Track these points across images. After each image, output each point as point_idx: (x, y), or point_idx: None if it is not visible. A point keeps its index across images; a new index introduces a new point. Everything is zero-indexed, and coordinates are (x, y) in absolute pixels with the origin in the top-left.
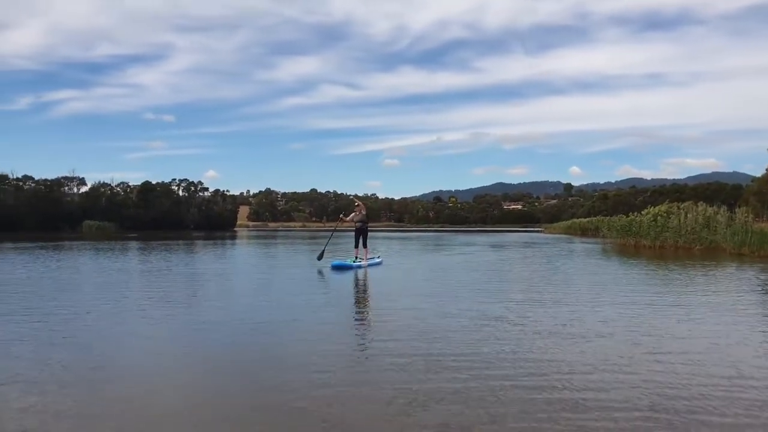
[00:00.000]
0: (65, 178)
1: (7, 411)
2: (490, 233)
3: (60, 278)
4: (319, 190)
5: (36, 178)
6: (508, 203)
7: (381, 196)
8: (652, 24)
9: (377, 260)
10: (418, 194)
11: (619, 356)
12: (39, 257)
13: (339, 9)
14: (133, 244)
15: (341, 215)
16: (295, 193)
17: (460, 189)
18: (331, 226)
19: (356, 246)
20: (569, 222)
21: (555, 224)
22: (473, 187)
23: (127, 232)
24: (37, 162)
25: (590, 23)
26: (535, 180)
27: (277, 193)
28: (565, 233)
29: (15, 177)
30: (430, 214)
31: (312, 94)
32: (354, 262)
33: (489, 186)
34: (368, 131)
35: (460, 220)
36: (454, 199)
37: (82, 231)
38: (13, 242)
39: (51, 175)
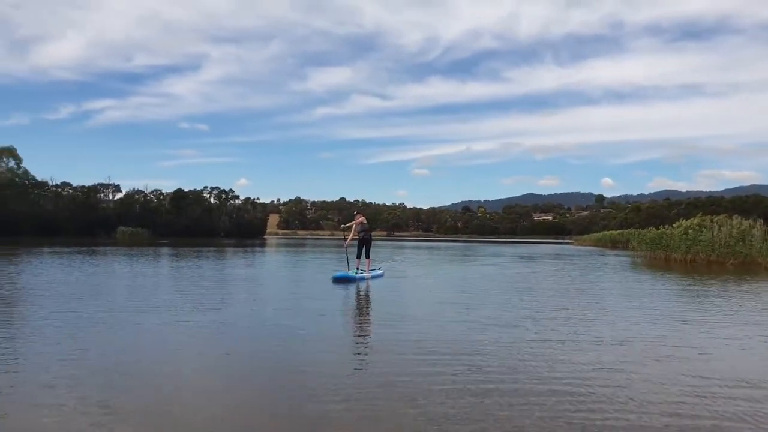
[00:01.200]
0: (101, 185)
1: (49, 408)
2: (519, 244)
3: (96, 282)
4: (347, 199)
5: (74, 185)
6: (538, 214)
7: (409, 205)
8: (688, 33)
9: (379, 272)
10: (446, 204)
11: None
12: (76, 262)
13: (370, 20)
14: (165, 250)
15: (342, 227)
16: (324, 201)
17: (490, 199)
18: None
19: (358, 257)
20: (600, 234)
21: (585, 236)
22: (503, 197)
23: (160, 238)
24: (76, 169)
25: (624, 33)
26: (566, 191)
27: (306, 202)
28: (595, 245)
29: (54, 183)
30: (459, 224)
31: (343, 104)
32: (357, 273)
33: (519, 196)
34: (398, 141)
35: (489, 231)
36: (483, 210)
37: (116, 237)
38: (50, 246)
39: (88, 182)
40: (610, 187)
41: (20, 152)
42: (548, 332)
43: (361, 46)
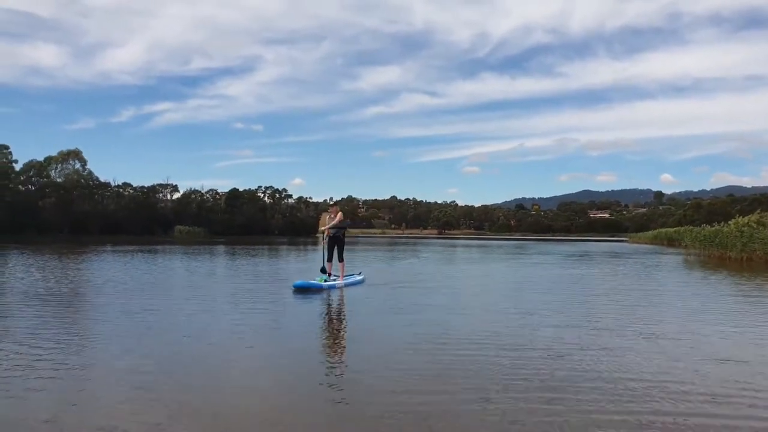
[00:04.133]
0: (160, 185)
1: (114, 401)
2: (573, 242)
3: (156, 278)
4: (399, 198)
5: (134, 185)
6: (594, 211)
7: (460, 203)
8: (752, 22)
9: (358, 278)
10: (499, 202)
11: None
12: (137, 259)
13: (419, 18)
14: (221, 248)
15: (321, 231)
16: (375, 200)
17: (544, 196)
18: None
19: (329, 259)
20: (655, 232)
21: (640, 234)
22: (558, 194)
23: (215, 236)
24: (136, 170)
25: (683, 24)
26: (623, 188)
27: (358, 200)
28: (651, 243)
29: (116, 184)
30: (512, 222)
31: (393, 102)
32: (325, 281)
33: (574, 193)
34: (448, 138)
35: (544, 229)
36: (537, 207)
37: (174, 235)
38: (113, 245)
39: (148, 182)
40: (669, 184)
41: (85, 155)
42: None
43: (410, 45)
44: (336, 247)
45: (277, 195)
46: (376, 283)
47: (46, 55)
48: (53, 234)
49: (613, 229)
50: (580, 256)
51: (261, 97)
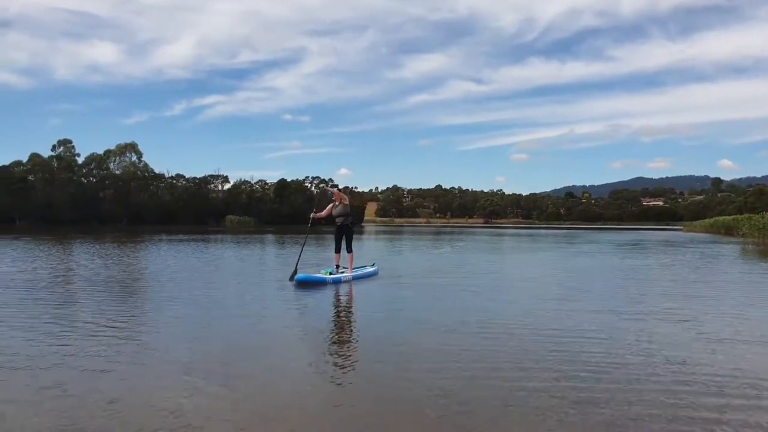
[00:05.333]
0: (211, 176)
1: (172, 385)
2: (625, 231)
3: (210, 266)
4: (444, 186)
5: (187, 177)
6: (647, 199)
7: (508, 191)
8: None
9: (369, 270)
10: (548, 190)
11: None
12: (192, 248)
13: (464, 4)
14: (270, 237)
15: (313, 213)
16: (420, 189)
17: (595, 184)
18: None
19: (337, 250)
20: (712, 220)
21: (695, 222)
22: (609, 182)
23: (265, 226)
24: (188, 161)
25: (742, 1)
26: (678, 174)
27: (403, 190)
28: (707, 232)
29: (170, 176)
30: (561, 211)
31: (438, 90)
32: (330, 274)
33: (627, 181)
34: (495, 125)
35: (594, 217)
36: (587, 195)
37: (225, 225)
38: (168, 234)
39: (199, 174)
40: (728, 170)
41: (141, 147)
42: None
43: (455, 31)
44: (344, 237)
45: (324, 185)
46: (391, 276)
47: (103, 52)
48: (113, 224)
49: (667, 217)
50: (633, 245)
51: (307, 89)
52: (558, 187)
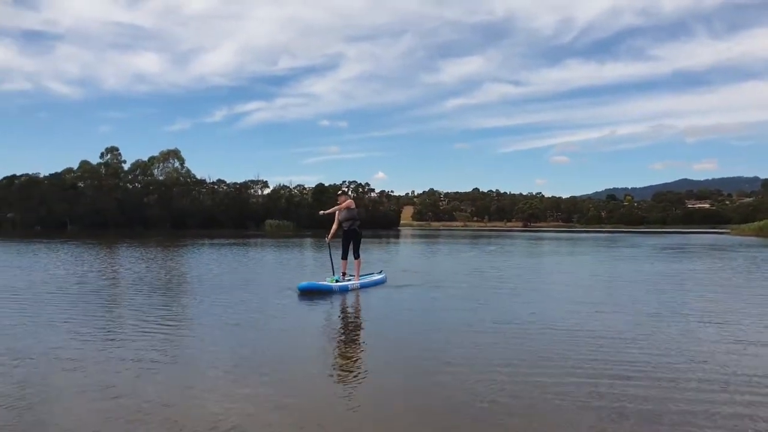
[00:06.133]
0: (251, 181)
1: (214, 391)
2: (670, 234)
3: (251, 270)
4: (481, 190)
5: (228, 182)
6: (693, 201)
7: (547, 194)
8: None
9: (377, 277)
10: (589, 192)
11: None
12: (233, 252)
13: (501, 6)
14: (308, 240)
15: (321, 213)
16: (457, 192)
17: (637, 186)
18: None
19: (343, 257)
20: (762, 223)
21: (744, 225)
22: (652, 184)
23: (303, 230)
24: (229, 167)
25: None
26: (725, 176)
27: (439, 193)
28: (757, 235)
29: (211, 181)
30: (602, 214)
31: (475, 93)
32: (336, 282)
33: (671, 183)
34: (534, 128)
35: (637, 220)
36: (629, 198)
37: (264, 229)
38: (209, 238)
39: (240, 179)
40: None
41: (183, 154)
42: None
43: (492, 34)
44: (351, 243)
45: (360, 189)
46: (402, 284)
47: (148, 62)
48: (157, 228)
49: (713, 220)
50: (678, 249)
51: (345, 94)
52: (599, 190)
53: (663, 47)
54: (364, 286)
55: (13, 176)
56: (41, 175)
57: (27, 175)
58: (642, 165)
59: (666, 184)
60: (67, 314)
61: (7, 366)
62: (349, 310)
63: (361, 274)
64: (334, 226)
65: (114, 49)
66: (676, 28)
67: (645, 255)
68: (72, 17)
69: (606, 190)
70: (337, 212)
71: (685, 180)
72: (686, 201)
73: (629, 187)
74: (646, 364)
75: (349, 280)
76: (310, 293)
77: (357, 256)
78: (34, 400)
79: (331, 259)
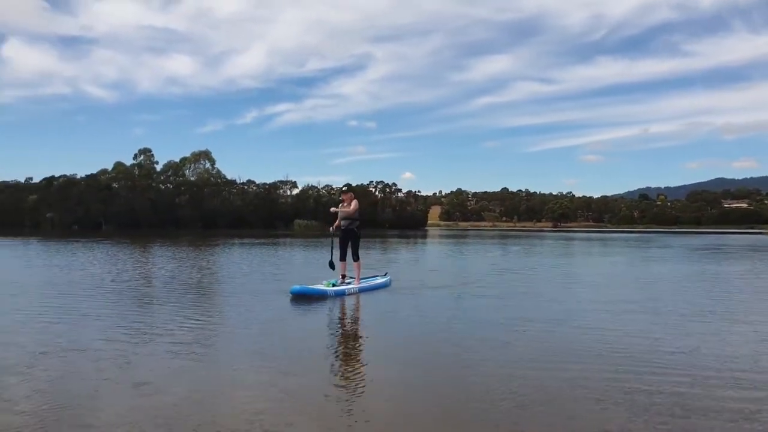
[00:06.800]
0: (280, 182)
1: (249, 388)
2: (704, 235)
3: (280, 270)
4: (510, 189)
5: (257, 183)
6: (729, 201)
7: (578, 194)
8: None
9: (380, 280)
10: (620, 192)
11: None
12: (264, 252)
13: (530, 4)
14: (336, 240)
15: (332, 210)
16: (485, 192)
17: (671, 186)
18: (523, 226)
19: (342, 258)
20: None
21: None
22: (687, 183)
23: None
24: (258, 168)
25: None
26: (765, 174)
27: (467, 193)
28: None
29: (241, 182)
30: (635, 214)
31: (504, 91)
32: (333, 285)
33: (706, 182)
34: (564, 126)
35: (670, 220)
36: (663, 197)
37: (293, 229)
38: (239, 238)
39: (269, 180)
40: None
41: (214, 155)
42: None
43: (521, 31)
44: (350, 244)
45: (387, 189)
46: (407, 287)
47: (181, 65)
48: (188, 228)
49: (751, 220)
50: (714, 250)
51: (373, 95)
52: (631, 189)
53: (699, 42)
54: (363, 290)
55: (52, 177)
56: (78, 176)
57: (65, 176)
58: (676, 164)
59: (701, 183)
60: (102, 311)
61: (44, 361)
62: (367, 311)
63: (365, 276)
64: (338, 221)
65: (148, 53)
66: (713, 23)
67: (678, 256)
68: (107, 22)
69: (638, 189)
70: (340, 209)
71: (721, 179)
72: (722, 201)
73: (662, 187)
74: (675, 363)
75: (349, 283)
76: (304, 298)
77: (356, 258)
78: (70, 395)
79: (332, 252)
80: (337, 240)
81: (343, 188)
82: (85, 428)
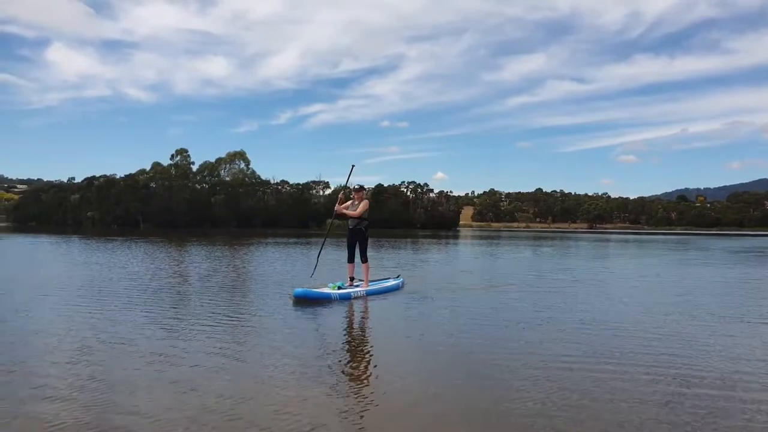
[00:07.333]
0: (313, 182)
1: (286, 388)
2: (746, 237)
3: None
4: (544, 190)
5: (291, 182)
6: None
7: (614, 195)
8: None
9: (392, 282)
10: (658, 193)
11: None
12: (296, 251)
13: (565, 2)
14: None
15: (342, 194)
16: (519, 193)
17: (711, 186)
18: (557, 227)
19: (350, 260)
20: None
21: None
22: (727, 184)
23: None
24: (292, 168)
25: None
26: None
27: (500, 194)
28: None
29: (275, 182)
30: (673, 215)
31: (538, 91)
32: (340, 288)
33: (748, 183)
34: (600, 126)
35: (710, 222)
36: (702, 198)
37: (326, 228)
38: (273, 237)
39: (302, 180)
40: None
41: (249, 155)
42: None
43: (556, 30)
44: (357, 245)
45: (419, 190)
46: (420, 289)
47: (217, 67)
48: (223, 227)
49: None
50: (758, 253)
51: (405, 95)
52: (669, 190)
53: (741, 39)
54: (371, 294)
55: (93, 177)
56: (117, 176)
57: (105, 176)
58: (716, 164)
59: (743, 184)
60: (140, 308)
61: (87, 356)
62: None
63: (377, 279)
64: (340, 206)
65: (185, 55)
66: (756, 19)
67: (716, 259)
68: (147, 26)
69: (676, 190)
70: (349, 204)
71: (764, 180)
72: (765, 202)
73: (702, 188)
74: (711, 367)
75: (357, 286)
76: (307, 302)
77: (364, 260)
78: (108, 391)
79: (319, 254)
80: (346, 240)
81: (356, 186)
82: (129, 416)
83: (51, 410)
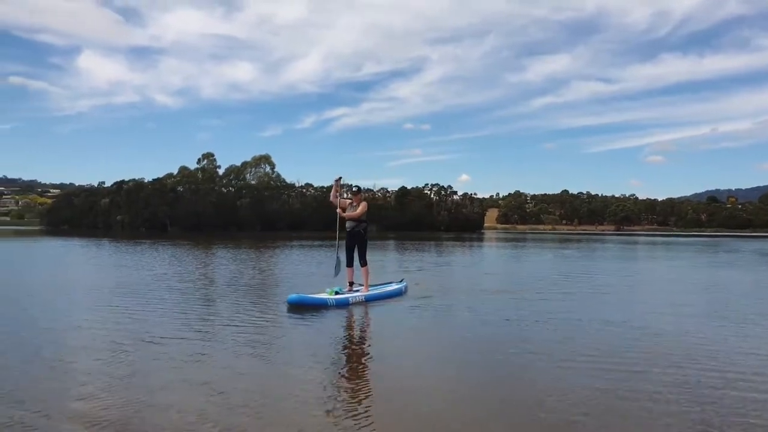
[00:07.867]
0: None
1: (310, 390)
2: None
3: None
4: (570, 191)
5: (315, 185)
6: None
7: (641, 196)
8: None
9: (394, 287)
10: (687, 194)
11: None
12: (321, 253)
13: (590, 2)
14: (391, 243)
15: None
16: (545, 195)
17: (742, 188)
18: (584, 229)
19: (349, 264)
20: None
21: None
22: (760, 185)
23: (386, 232)
24: (317, 171)
25: None
26: None
27: (526, 196)
28: None
29: (300, 185)
30: (702, 217)
31: (563, 92)
32: (338, 293)
33: None
34: (627, 126)
35: (741, 224)
36: (733, 199)
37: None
38: (298, 240)
39: (326, 183)
40: None
41: (274, 159)
42: None
43: (581, 30)
44: (356, 248)
45: (443, 192)
46: (457, 290)
47: (242, 72)
48: (249, 230)
49: None
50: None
51: (428, 97)
52: (699, 191)
53: None
54: (371, 299)
55: (122, 182)
56: (146, 180)
57: (134, 180)
58: (747, 164)
59: None
60: (167, 310)
61: (120, 356)
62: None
63: (378, 283)
64: (336, 193)
65: (211, 60)
66: None
67: (748, 261)
68: (175, 32)
69: (706, 191)
70: (344, 203)
71: None
72: None
73: (733, 189)
74: (740, 367)
75: (357, 290)
76: (301, 308)
77: (363, 264)
78: (139, 390)
79: (337, 251)
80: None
81: (354, 188)
82: (159, 414)
83: (87, 408)
